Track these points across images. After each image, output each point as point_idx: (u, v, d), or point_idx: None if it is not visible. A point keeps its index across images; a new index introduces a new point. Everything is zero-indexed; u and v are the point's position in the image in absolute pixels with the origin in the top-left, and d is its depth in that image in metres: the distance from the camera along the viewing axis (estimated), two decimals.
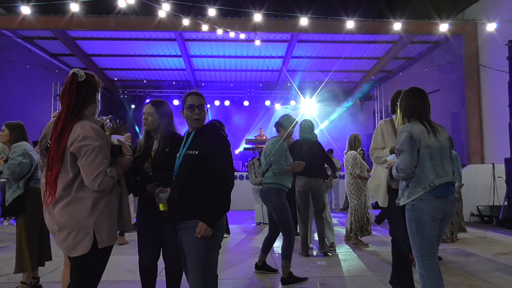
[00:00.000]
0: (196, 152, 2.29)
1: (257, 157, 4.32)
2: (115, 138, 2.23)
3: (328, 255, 5.11)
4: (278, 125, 4.30)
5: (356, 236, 5.85)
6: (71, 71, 2.13)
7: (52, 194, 2.01)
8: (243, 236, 6.71)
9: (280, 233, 4.09)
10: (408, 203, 2.66)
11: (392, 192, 3.21)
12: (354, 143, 6.00)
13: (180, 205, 2.29)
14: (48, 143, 2.11)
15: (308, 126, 5.31)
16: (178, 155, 2.41)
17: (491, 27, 8.88)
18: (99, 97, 2.24)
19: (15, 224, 3.73)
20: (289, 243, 3.92)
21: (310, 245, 5.43)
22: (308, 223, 5.25)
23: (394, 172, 2.72)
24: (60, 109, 2.17)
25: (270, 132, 15.28)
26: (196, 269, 2.22)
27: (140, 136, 3.10)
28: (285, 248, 3.92)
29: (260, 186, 4.17)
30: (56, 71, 12.57)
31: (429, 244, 2.57)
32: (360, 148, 6.35)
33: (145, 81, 15.30)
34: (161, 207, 2.38)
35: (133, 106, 15.28)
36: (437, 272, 2.56)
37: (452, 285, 3.83)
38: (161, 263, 2.87)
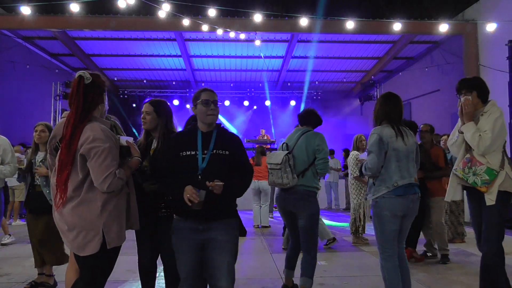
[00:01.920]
0: (227, 152, 2.33)
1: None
2: (124, 139, 2.24)
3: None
4: (319, 121, 3.67)
5: (357, 235, 5.91)
6: (77, 74, 2.14)
7: (62, 195, 2.04)
8: (243, 237, 6.71)
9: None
10: (372, 202, 2.91)
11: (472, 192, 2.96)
12: (356, 143, 6.07)
13: (216, 204, 2.25)
14: (58, 143, 2.14)
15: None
16: (196, 153, 2.29)
17: (491, 27, 8.87)
18: (106, 96, 2.26)
19: (40, 220, 3.63)
20: (314, 259, 3.43)
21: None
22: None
23: (363, 169, 2.95)
24: (61, 108, 2.18)
25: (270, 132, 15.30)
26: (231, 265, 2.30)
27: (139, 136, 3.11)
28: (310, 265, 3.39)
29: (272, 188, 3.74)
30: (56, 71, 12.57)
31: (388, 239, 2.82)
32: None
33: (145, 81, 15.31)
34: (197, 205, 2.23)
35: (134, 105, 15.28)
36: (396, 264, 2.79)
37: (452, 285, 3.83)
38: (159, 263, 2.88)
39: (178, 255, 2.33)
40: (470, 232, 6.73)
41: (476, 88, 2.96)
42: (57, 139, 2.16)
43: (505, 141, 2.96)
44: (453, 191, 3.03)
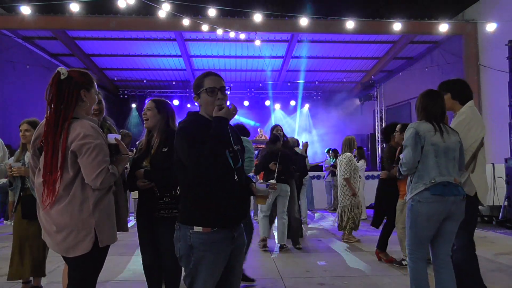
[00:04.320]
0: (239, 147, 2.11)
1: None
2: (112, 137, 2.22)
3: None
4: (248, 133, 4.79)
5: (350, 233, 6.00)
6: (56, 70, 2.09)
7: (51, 195, 1.98)
8: None
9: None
10: (409, 201, 2.75)
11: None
12: (350, 145, 6.13)
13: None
14: (42, 143, 2.07)
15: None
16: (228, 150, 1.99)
17: (491, 27, 8.87)
18: (92, 95, 2.18)
19: (33, 226, 3.41)
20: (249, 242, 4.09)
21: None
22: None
23: (400, 167, 2.81)
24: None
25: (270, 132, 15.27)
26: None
27: (138, 138, 3.10)
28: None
29: None
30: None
31: (419, 243, 2.72)
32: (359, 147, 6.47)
33: (145, 81, 15.30)
34: (261, 201, 2.09)
35: (133, 106, 15.28)
36: (423, 266, 2.71)
37: None
38: None
39: (208, 275, 1.92)
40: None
41: (449, 90, 3.07)
42: (41, 139, 2.08)
43: (479, 143, 2.98)
44: None
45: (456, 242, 2.89)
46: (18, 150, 3.70)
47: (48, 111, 2.05)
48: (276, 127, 5.82)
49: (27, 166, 3.39)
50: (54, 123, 2.01)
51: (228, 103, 2.00)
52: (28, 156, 3.49)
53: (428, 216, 2.63)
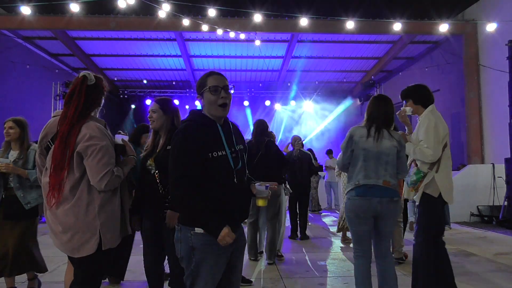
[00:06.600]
0: (242, 146, 2.09)
1: None
2: (119, 138, 2.23)
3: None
4: None
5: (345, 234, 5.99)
6: (82, 74, 2.11)
7: (57, 195, 2.00)
8: None
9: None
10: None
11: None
12: None
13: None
14: (49, 142, 2.08)
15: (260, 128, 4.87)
16: (225, 153, 1.96)
17: (491, 27, 8.87)
18: (103, 100, 2.25)
19: (17, 226, 3.30)
20: None
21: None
22: (257, 227, 4.88)
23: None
24: (61, 108, 2.14)
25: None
26: None
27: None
28: None
29: None
30: (56, 71, 12.57)
31: (358, 239, 2.86)
32: None
33: (145, 81, 15.29)
34: (261, 202, 2.07)
35: (133, 106, 15.27)
36: (363, 263, 2.83)
37: None
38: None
39: (209, 276, 1.92)
40: (470, 231, 6.73)
41: (410, 96, 3.20)
42: (48, 138, 2.10)
43: (445, 144, 3.07)
44: (403, 191, 3.33)
45: (415, 239, 3.11)
46: (2, 149, 3.47)
47: (70, 111, 2.04)
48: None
49: (11, 163, 3.27)
50: (71, 122, 2.02)
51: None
52: (12, 155, 3.35)
53: (355, 213, 2.81)
